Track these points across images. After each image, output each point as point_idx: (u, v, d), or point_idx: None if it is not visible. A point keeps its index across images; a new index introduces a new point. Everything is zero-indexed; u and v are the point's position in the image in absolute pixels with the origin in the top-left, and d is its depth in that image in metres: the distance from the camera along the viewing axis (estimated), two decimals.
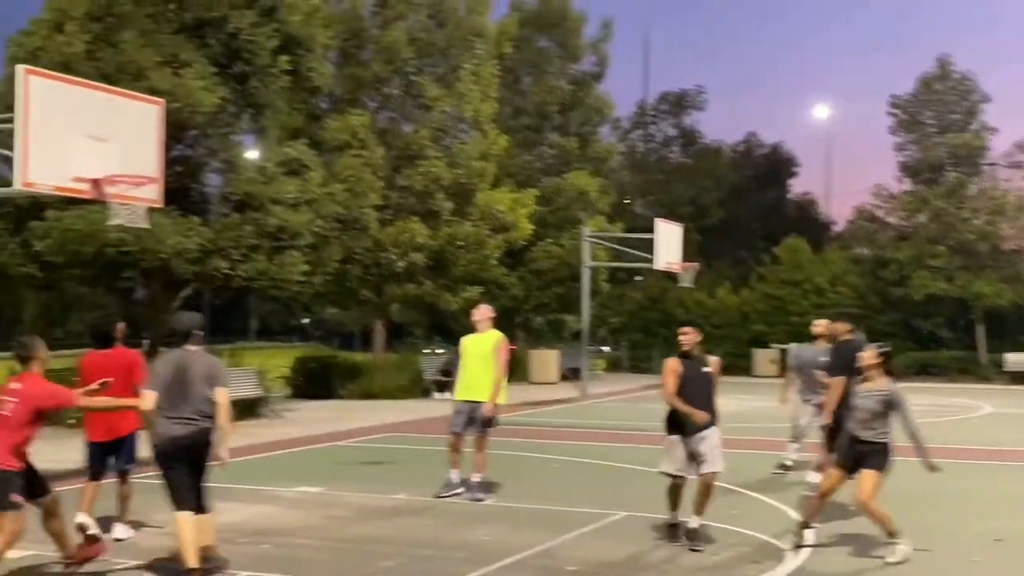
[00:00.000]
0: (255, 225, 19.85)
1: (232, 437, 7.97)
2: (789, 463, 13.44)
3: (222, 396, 7.65)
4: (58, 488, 8.15)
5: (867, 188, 61.46)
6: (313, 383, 26.46)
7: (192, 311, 8.44)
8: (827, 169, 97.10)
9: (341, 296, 28.96)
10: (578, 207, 34.12)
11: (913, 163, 39.13)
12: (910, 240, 37.55)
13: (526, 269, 33.88)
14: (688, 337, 9.10)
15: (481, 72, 28.02)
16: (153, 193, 12.09)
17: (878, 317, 36.71)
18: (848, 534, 9.65)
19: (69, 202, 17.32)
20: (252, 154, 21.63)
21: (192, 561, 7.47)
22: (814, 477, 11.18)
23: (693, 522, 8.93)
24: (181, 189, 19.55)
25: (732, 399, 22.25)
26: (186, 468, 7.62)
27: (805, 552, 8.80)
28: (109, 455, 9.15)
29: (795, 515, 10.41)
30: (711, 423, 8.90)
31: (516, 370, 31.15)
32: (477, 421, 11.35)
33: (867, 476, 8.60)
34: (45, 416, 7.54)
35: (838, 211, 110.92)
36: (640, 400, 26.32)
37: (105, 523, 9.20)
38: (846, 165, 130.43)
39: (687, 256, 30.06)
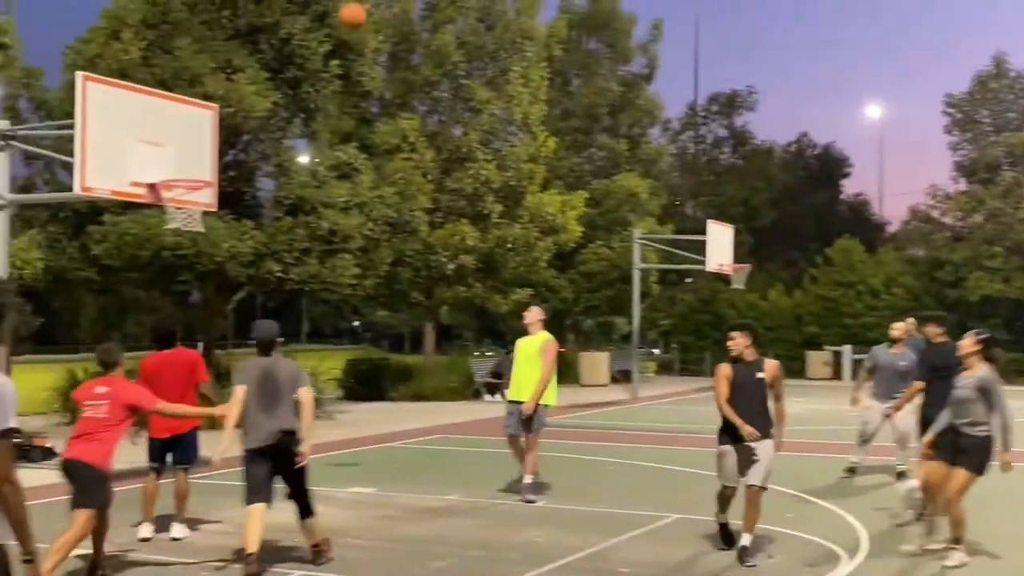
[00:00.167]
0: (307, 228, 20.04)
1: (313, 436, 8.25)
2: (854, 465, 13.16)
3: (307, 396, 8.08)
4: (117, 488, 8.28)
5: (922, 188, 60.66)
6: (364, 385, 26.65)
7: (270, 319, 8.83)
8: (880, 169, 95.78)
9: (391, 299, 29.13)
10: (628, 209, 34.05)
11: (969, 163, 38.55)
12: (966, 241, 36.98)
13: (576, 271, 33.83)
14: (734, 342, 8.59)
15: (530, 74, 28.05)
16: (208, 197, 12.24)
17: (935, 319, 36.09)
18: (902, 533, 9.52)
19: (126, 206, 17.61)
20: (304, 158, 21.84)
21: (251, 547, 7.79)
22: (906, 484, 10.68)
23: (744, 539, 8.44)
24: (235, 193, 19.80)
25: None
26: (270, 467, 8.02)
27: (860, 556, 8.70)
28: (168, 451, 9.32)
29: (850, 518, 10.30)
30: (764, 435, 8.42)
31: (566, 372, 31.15)
32: (522, 419, 11.39)
33: (959, 475, 8.35)
34: (132, 417, 7.84)
35: (892, 211, 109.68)
36: (691, 403, 26.18)
37: (163, 522, 9.33)
38: (900, 165, 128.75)
39: (738, 258, 29.83)
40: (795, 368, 35.67)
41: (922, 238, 39.50)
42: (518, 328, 11.98)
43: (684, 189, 47.10)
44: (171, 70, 18.93)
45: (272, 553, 8.67)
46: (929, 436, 8.89)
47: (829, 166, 60.84)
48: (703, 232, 27.81)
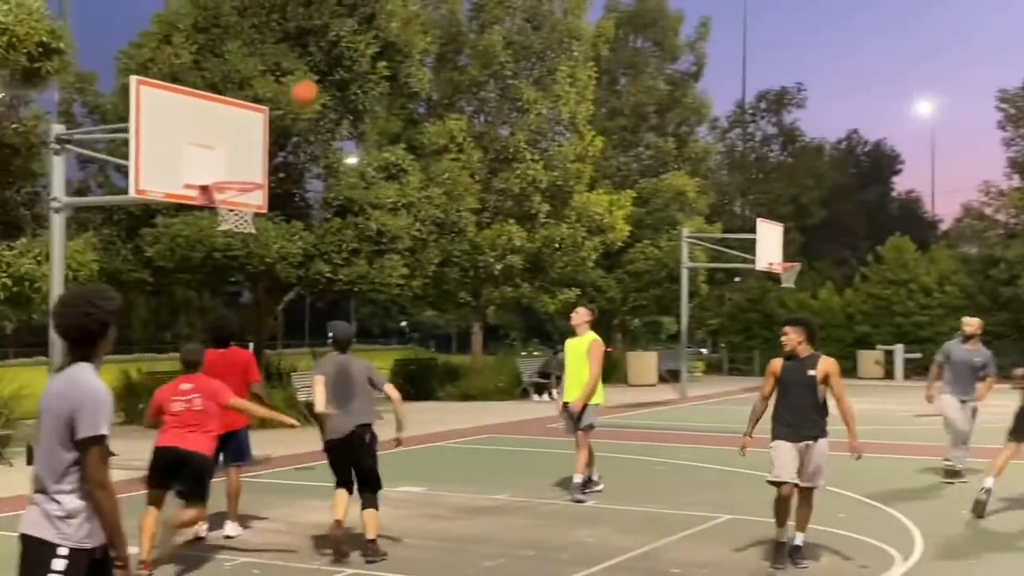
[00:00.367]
0: (356, 229, 20.16)
1: (407, 424, 8.81)
2: (958, 467, 12.66)
3: (393, 391, 8.63)
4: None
5: (975, 185, 59.77)
6: (413, 385, 26.75)
7: (341, 320, 9.60)
8: (932, 166, 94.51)
9: (439, 299, 29.22)
10: (675, 208, 33.89)
11: (1023, 158, 37.89)
12: (1020, 238, 36.37)
13: (623, 271, 33.72)
14: (787, 338, 8.29)
15: (577, 74, 28.02)
16: (259, 199, 12.35)
17: (988, 317, 35.51)
18: (958, 536, 9.40)
19: (178, 209, 17.85)
20: (352, 159, 21.99)
21: (337, 514, 8.52)
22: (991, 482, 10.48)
23: (797, 539, 8.33)
24: (284, 195, 19.98)
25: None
26: (348, 458, 8.56)
27: (915, 557, 8.60)
28: (220, 449, 9.41)
29: (904, 519, 10.18)
30: (817, 435, 8.17)
31: (614, 372, 31.09)
32: (572, 420, 11.42)
33: None
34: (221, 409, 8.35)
35: (944, 209, 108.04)
36: (740, 403, 25.95)
37: (216, 520, 9.44)
38: (952, 161, 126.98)
39: (788, 256, 29.58)
40: (847, 368, 35.19)
41: (975, 235, 38.93)
42: (565, 328, 12.03)
43: (732, 187, 46.78)
44: (221, 73, 19.15)
45: (321, 553, 8.74)
46: None
47: (880, 163, 60.17)
48: (752, 231, 27.60)
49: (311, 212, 21.70)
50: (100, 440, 3.95)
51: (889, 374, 35.32)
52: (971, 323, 12.76)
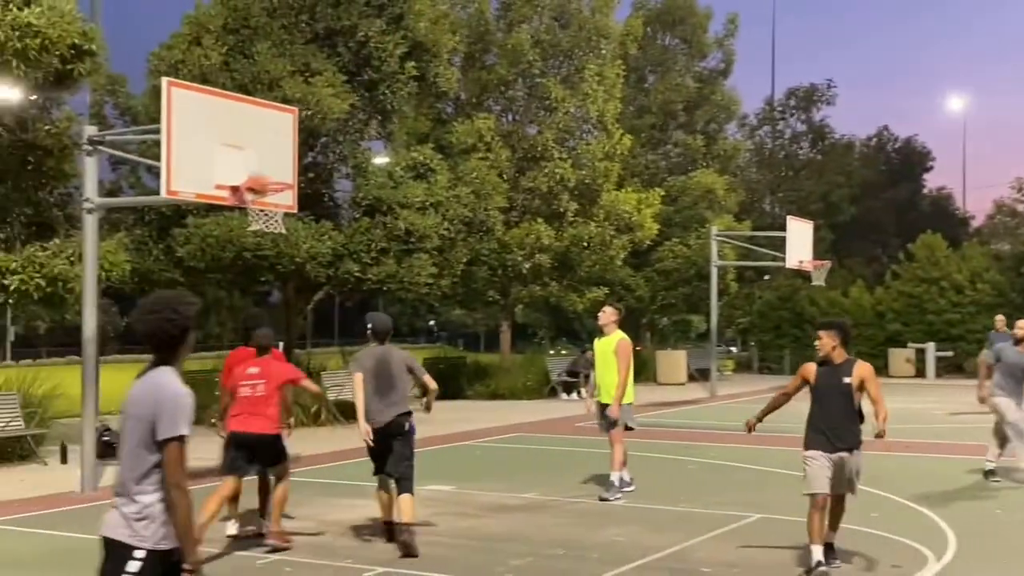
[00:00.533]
0: (384, 229, 20.23)
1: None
2: (991, 466, 12.53)
3: (431, 381, 9.07)
4: (200, 485, 8.44)
5: (1007, 181, 59.17)
6: (441, 383, 26.65)
7: (380, 312, 10.39)
8: (963, 162, 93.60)
9: (467, 297, 29.27)
10: (704, 206, 33.76)
11: None
12: None
13: (652, 269, 33.64)
14: (821, 343, 7.93)
15: (605, 72, 27.97)
16: (289, 199, 12.41)
17: (1021, 315, 35.20)
18: (992, 536, 9.31)
19: (209, 209, 17.96)
20: (380, 159, 22.07)
21: (384, 515, 9.05)
22: None
23: (827, 536, 8.06)
24: (313, 195, 20.07)
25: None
26: (386, 446, 8.82)
27: (948, 556, 8.53)
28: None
29: (938, 518, 10.09)
30: (852, 446, 7.86)
31: (643, 371, 30.98)
32: (606, 421, 11.40)
33: None
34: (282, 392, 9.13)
35: (976, 205, 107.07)
36: None
37: (247, 518, 9.49)
38: (984, 158, 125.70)
39: (818, 254, 29.40)
40: (878, 366, 34.45)
41: (1008, 232, 38.57)
42: (593, 327, 12.03)
43: (762, 185, 46.56)
44: (250, 74, 19.26)
45: (352, 552, 8.78)
46: None
47: (910, 160, 59.72)
48: (782, 228, 27.44)
49: (340, 212, 21.80)
50: (180, 440, 4.03)
51: (920, 372, 35.01)
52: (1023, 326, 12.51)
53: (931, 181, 60.24)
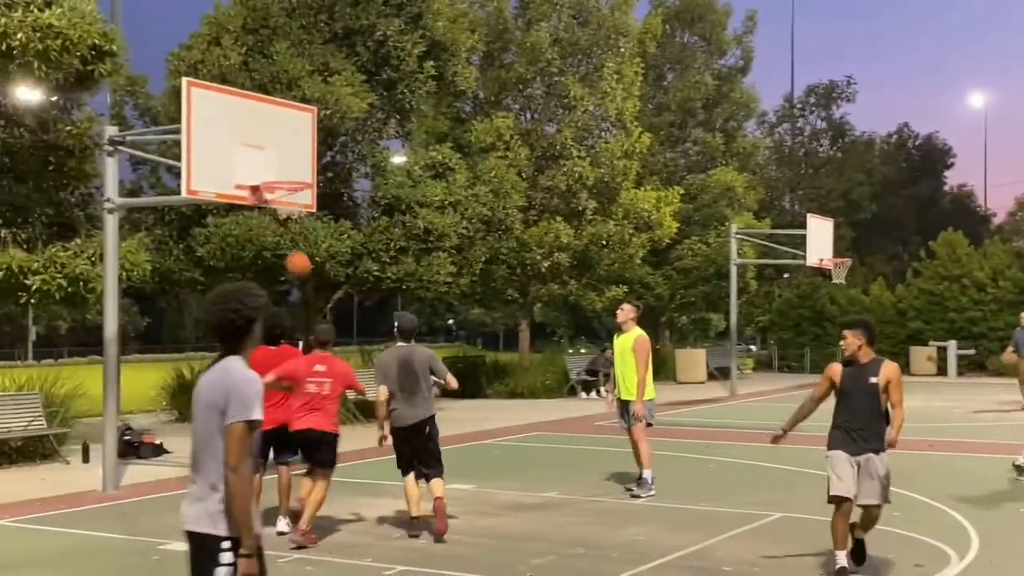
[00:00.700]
0: (403, 228, 20.26)
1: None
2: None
3: (452, 381, 9.31)
4: None
5: None
6: (461, 382, 26.70)
7: (408, 313, 10.49)
8: (985, 159, 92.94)
9: (486, 296, 29.27)
10: (724, 204, 33.66)
11: None
12: None
13: (671, 268, 33.57)
14: (846, 342, 7.66)
15: (624, 70, 27.91)
16: (308, 198, 12.44)
17: None
18: (1016, 535, 9.23)
19: (228, 209, 18.03)
20: (399, 158, 22.09)
21: (414, 512, 9.23)
22: None
23: (857, 532, 7.81)
24: (332, 194, 20.11)
25: None
26: (411, 446, 9.21)
27: (971, 556, 8.46)
28: (269, 446, 9.51)
29: (961, 517, 10.02)
30: (878, 447, 7.58)
31: (662, 369, 30.93)
32: (627, 418, 11.40)
33: None
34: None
35: (998, 202, 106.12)
36: (790, 400, 25.70)
37: (268, 516, 9.51)
38: (1006, 154, 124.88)
39: (839, 252, 29.25)
40: (899, 364, 34.77)
41: None
42: (612, 325, 12.01)
43: (781, 183, 46.36)
44: (269, 74, 19.31)
45: (372, 550, 8.78)
46: None
47: (931, 157, 59.39)
48: (802, 226, 27.33)
49: (359, 211, 21.84)
50: (246, 424, 4.12)
51: (942, 370, 34.81)
52: None
53: (952, 178, 60.08)
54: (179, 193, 11.60)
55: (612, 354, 11.99)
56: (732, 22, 36.93)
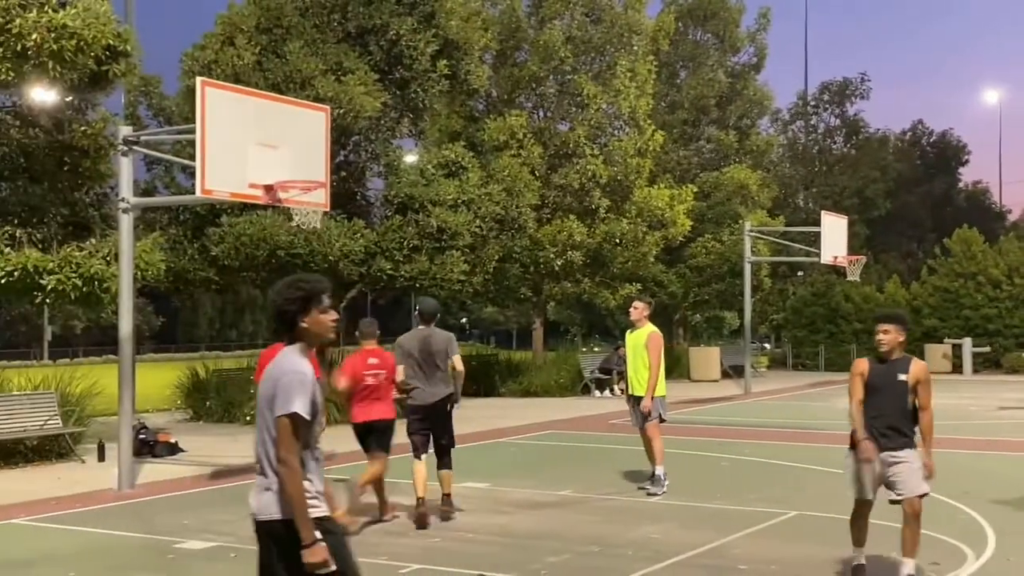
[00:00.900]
0: (416, 226, 20.28)
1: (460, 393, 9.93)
2: None
3: (459, 363, 9.66)
4: (252, 481, 8.46)
5: None
6: (474, 381, 26.77)
7: (430, 298, 10.78)
8: (1000, 156, 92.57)
9: (499, 295, 29.27)
10: (737, 201, 33.57)
11: None
12: None
13: (685, 266, 33.50)
14: (888, 336, 7.24)
15: (637, 68, 27.87)
16: (322, 197, 12.46)
17: None
18: None
19: (242, 208, 18.07)
20: (412, 157, 22.11)
21: (420, 492, 9.61)
22: None
23: (907, 568, 7.26)
24: (346, 193, 20.15)
25: None
26: (430, 425, 9.70)
27: (987, 555, 8.42)
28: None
29: (977, 516, 9.97)
30: (903, 445, 7.23)
31: (676, 368, 30.90)
32: (639, 415, 11.40)
33: None
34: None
35: (1013, 199, 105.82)
36: (805, 398, 25.66)
37: None
38: (1021, 152, 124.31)
39: (853, 249, 29.15)
40: None
41: None
42: (626, 323, 12.02)
43: (795, 180, 46.24)
44: (283, 73, 19.35)
45: (387, 548, 8.79)
46: None
47: (946, 154, 59.14)
48: (816, 224, 27.24)
49: (372, 210, 21.87)
50: (290, 417, 4.16)
51: (957, 368, 34.67)
52: None
53: (967, 175, 59.85)
54: (193, 192, 11.62)
55: (625, 352, 11.98)
56: (745, 19, 36.87)
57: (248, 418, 17.95)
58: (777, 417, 20.72)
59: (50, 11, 12.97)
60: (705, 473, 13.35)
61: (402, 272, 20.28)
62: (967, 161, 60.38)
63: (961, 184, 60.71)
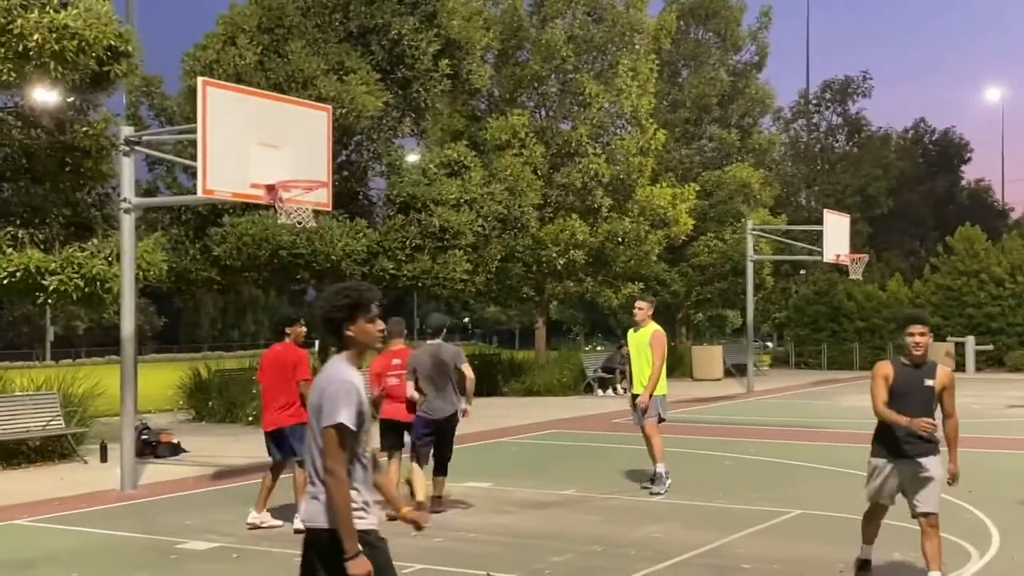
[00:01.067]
0: (419, 226, 20.27)
1: (471, 399, 10.22)
2: None
3: (468, 371, 9.94)
4: (255, 481, 8.45)
5: None
6: (477, 380, 26.70)
7: (437, 313, 11.29)
8: (1002, 154, 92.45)
9: (502, 294, 29.26)
10: (740, 200, 33.57)
11: None
12: None
13: (687, 264, 33.50)
14: (923, 339, 6.96)
15: (639, 67, 27.86)
16: (323, 197, 12.44)
17: None
18: None
19: (244, 208, 18.06)
20: (414, 157, 22.10)
21: (420, 496, 9.79)
22: None
23: (932, 565, 7.05)
24: (348, 193, 20.14)
25: None
26: (439, 436, 10.03)
27: (991, 554, 8.40)
28: (274, 444, 9.53)
29: (982, 515, 9.95)
30: (928, 452, 7.03)
31: (679, 366, 30.88)
32: (639, 412, 11.41)
33: None
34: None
35: (1016, 197, 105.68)
36: (808, 397, 25.63)
37: (286, 513, 9.51)
38: (1023, 149, 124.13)
39: (855, 247, 29.12)
40: None
41: None
42: (628, 322, 12.04)
43: (797, 179, 46.24)
44: (285, 73, 19.34)
45: (391, 548, 8.77)
46: None
47: (948, 152, 59.12)
48: (818, 222, 27.22)
49: (374, 209, 21.86)
50: (336, 428, 4.14)
51: (960, 366, 34.65)
52: None
53: (969, 173, 59.82)
54: (195, 193, 11.61)
55: (628, 351, 11.97)
56: (747, 18, 36.91)
57: (250, 418, 17.94)
58: (780, 416, 20.69)
59: (51, 11, 12.96)
60: (708, 472, 13.33)
61: (404, 272, 20.27)
62: (969, 159, 60.41)
63: (963, 182, 60.70)
